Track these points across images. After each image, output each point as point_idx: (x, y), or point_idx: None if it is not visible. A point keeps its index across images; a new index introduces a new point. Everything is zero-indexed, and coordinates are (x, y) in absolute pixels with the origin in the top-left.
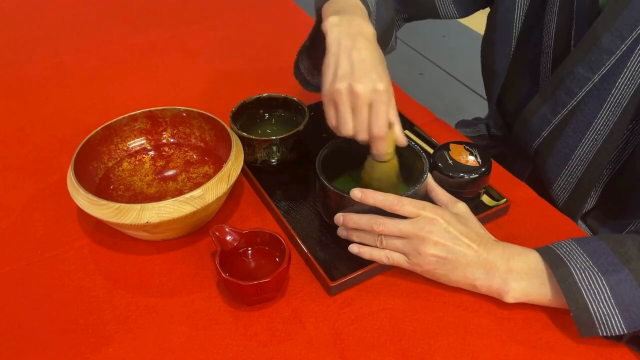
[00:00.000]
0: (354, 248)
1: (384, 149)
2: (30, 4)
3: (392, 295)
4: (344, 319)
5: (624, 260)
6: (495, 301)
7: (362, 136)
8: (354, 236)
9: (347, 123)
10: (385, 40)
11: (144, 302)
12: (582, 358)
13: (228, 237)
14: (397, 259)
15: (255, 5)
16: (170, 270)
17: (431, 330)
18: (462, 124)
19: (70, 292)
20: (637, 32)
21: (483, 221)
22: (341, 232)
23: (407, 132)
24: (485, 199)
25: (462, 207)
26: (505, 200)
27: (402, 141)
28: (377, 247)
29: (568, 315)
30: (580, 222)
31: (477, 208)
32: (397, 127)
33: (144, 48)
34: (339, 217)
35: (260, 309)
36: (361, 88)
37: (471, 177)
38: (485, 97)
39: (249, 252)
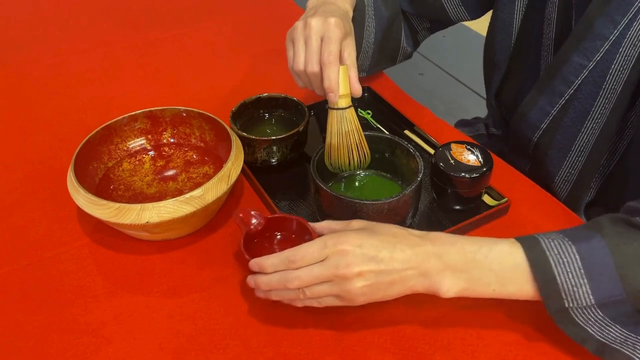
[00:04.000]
0: (285, 301)
1: (335, 80)
2: (30, 4)
3: None
4: (344, 319)
5: (596, 229)
6: (495, 301)
7: (312, 67)
8: (274, 296)
9: (299, 55)
10: (390, 37)
11: (144, 302)
12: (582, 358)
13: (253, 220)
14: (330, 302)
15: (255, 5)
16: (170, 270)
17: (431, 330)
18: (461, 124)
19: (70, 292)
20: (628, 16)
21: (484, 221)
22: (258, 294)
23: (407, 132)
24: (486, 198)
25: (357, 222)
26: (505, 200)
27: (357, 88)
28: (302, 300)
29: None
30: (583, 216)
31: (477, 208)
32: (353, 72)
33: (144, 48)
34: (250, 282)
35: (259, 309)
36: (314, 21)
37: (472, 176)
38: (484, 96)
39: (274, 237)
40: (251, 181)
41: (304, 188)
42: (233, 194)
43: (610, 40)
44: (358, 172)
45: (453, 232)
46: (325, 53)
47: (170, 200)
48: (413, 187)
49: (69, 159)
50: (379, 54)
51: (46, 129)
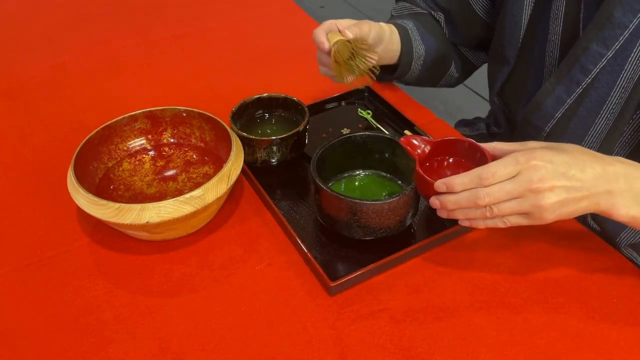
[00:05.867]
0: (465, 222)
1: (319, 35)
2: (30, 4)
3: (392, 295)
4: (344, 319)
5: None
6: (495, 301)
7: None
8: (459, 214)
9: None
10: (440, 67)
11: (144, 302)
12: (582, 358)
13: (419, 144)
14: (516, 221)
15: (255, 5)
16: (170, 270)
17: (431, 330)
18: (461, 124)
19: (70, 292)
20: None
21: None
22: (441, 213)
23: (407, 132)
24: None
25: (534, 143)
26: None
27: (346, 33)
28: (487, 218)
29: (568, 315)
30: (590, 219)
31: None
32: (347, 32)
33: (144, 48)
34: (435, 202)
35: (259, 308)
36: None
37: None
38: (485, 96)
39: (445, 160)
40: (251, 181)
41: (304, 188)
42: (233, 194)
43: (630, 29)
44: (358, 172)
45: (453, 232)
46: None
47: (170, 200)
48: (413, 187)
49: (69, 159)
50: (426, 77)
51: (46, 129)
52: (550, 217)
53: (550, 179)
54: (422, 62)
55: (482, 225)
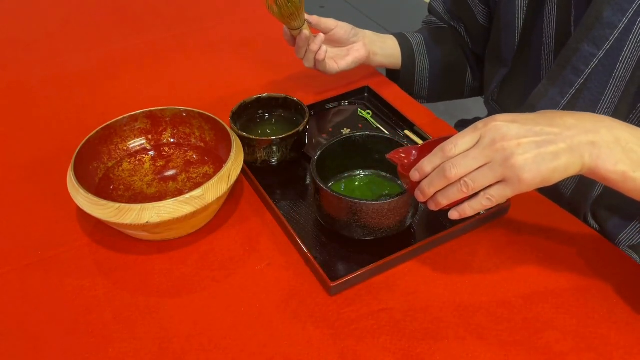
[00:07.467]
0: (453, 214)
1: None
2: (30, 4)
3: (392, 295)
4: (344, 319)
5: None
6: (495, 301)
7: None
8: (441, 198)
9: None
10: (453, 77)
11: (144, 302)
12: (582, 358)
13: (405, 157)
14: (498, 192)
15: (255, 5)
16: (170, 270)
17: (431, 330)
18: (461, 124)
19: (70, 292)
20: (637, 3)
21: (484, 221)
22: (431, 206)
23: (407, 132)
24: None
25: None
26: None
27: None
28: (467, 193)
29: (568, 315)
30: (589, 213)
31: None
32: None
33: (144, 48)
34: (418, 194)
35: (259, 309)
36: None
37: None
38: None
39: None
40: (251, 181)
41: (304, 188)
42: (233, 194)
43: (619, 29)
44: (358, 172)
45: (453, 232)
46: None
47: (170, 200)
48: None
49: (69, 159)
50: (444, 89)
51: (46, 129)
52: (529, 176)
53: (514, 136)
54: (427, 73)
55: (470, 210)
